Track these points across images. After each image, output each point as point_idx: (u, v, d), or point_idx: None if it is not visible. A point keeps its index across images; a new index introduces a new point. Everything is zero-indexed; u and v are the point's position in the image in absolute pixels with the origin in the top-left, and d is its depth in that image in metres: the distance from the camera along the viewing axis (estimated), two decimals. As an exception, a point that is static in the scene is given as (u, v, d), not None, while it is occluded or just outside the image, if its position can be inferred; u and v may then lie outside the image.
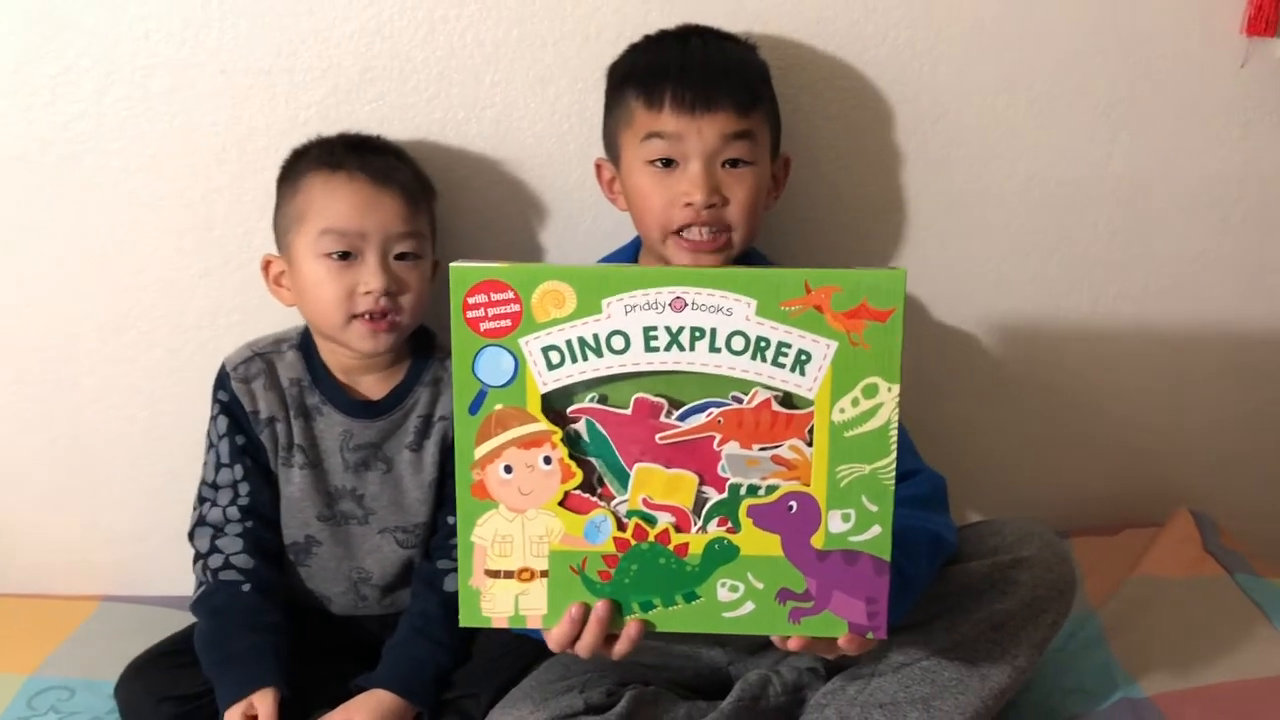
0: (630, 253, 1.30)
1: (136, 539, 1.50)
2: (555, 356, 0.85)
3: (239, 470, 1.26)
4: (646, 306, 0.83)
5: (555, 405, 0.87)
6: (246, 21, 1.32)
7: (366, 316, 1.22)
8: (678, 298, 0.83)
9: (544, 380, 0.85)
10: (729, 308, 0.82)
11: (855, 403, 0.83)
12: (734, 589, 0.88)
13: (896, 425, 0.84)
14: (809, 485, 0.85)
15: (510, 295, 0.84)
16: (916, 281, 1.46)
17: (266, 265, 1.27)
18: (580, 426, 0.87)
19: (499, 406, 0.86)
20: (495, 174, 1.39)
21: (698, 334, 0.83)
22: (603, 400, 0.87)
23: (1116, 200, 1.46)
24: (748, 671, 1.16)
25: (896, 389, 0.84)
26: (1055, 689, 1.20)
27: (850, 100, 1.40)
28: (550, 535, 0.88)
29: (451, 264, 0.86)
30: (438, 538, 1.29)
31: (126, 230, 1.39)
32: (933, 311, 1.49)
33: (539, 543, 0.88)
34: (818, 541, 0.86)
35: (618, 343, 0.84)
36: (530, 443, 0.87)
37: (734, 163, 1.18)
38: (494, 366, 0.86)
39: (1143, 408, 1.55)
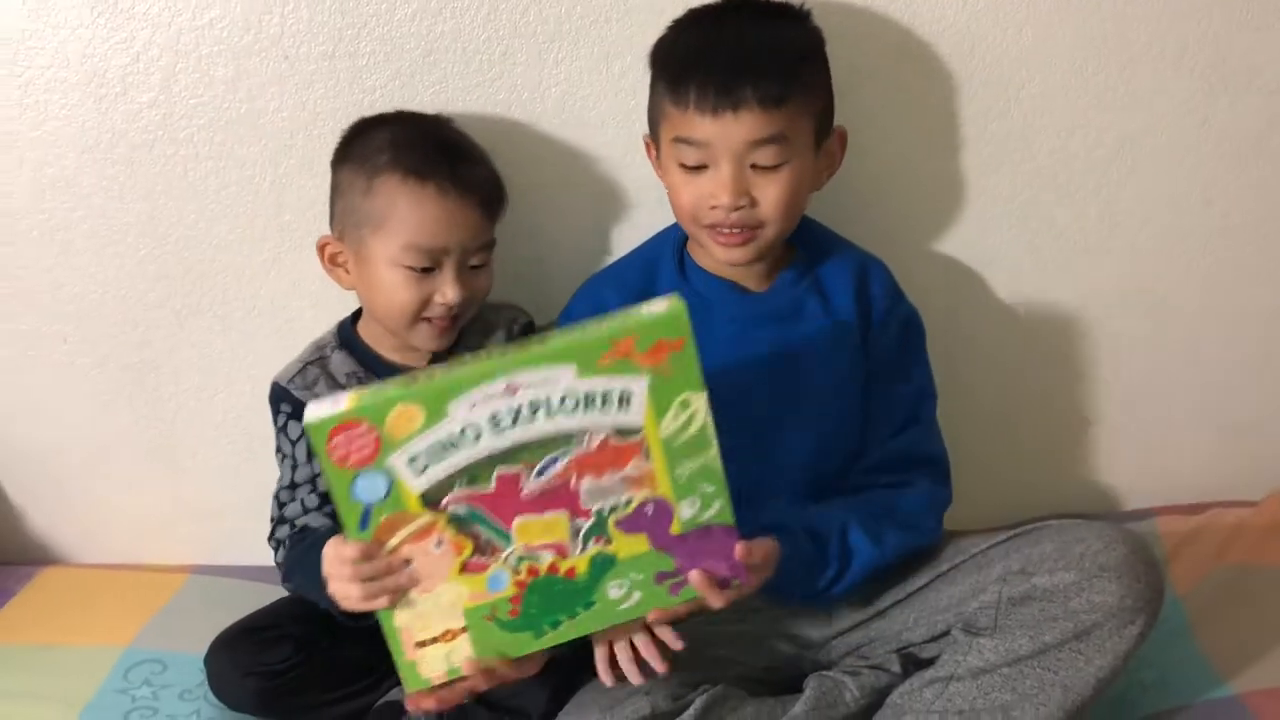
0: (676, 234, 1.28)
1: (220, 514, 1.53)
2: (420, 463, 0.95)
3: (319, 465, 1.26)
4: (485, 399, 0.93)
5: (432, 497, 0.97)
6: (308, 7, 1.30)
7: (434, 320, 1.22)
8: (509, 384, 0.93)
9: (416, 484, 0.96)
10: (555, 378, 0.94)
11: (675, 417, 0.97)
12: (621, 586, 1.02)
13: (711, 422, 0.99)
14: (657, 490, 1.00)
15: (365, 428, 0.93)
16: (998, 255, 1.43)
17: (322, 248, 1.26)
18: (459, 508, 0.97)
19: (384, 517, 0.96)
20: (559, 153, 1.37)
21: (535, 407, 0.94)
22: (471, 482, 0.97)
23: (1214, 165, 1.39)
24: (817, 666, 1.15)
25: (704, 395, 0.98)
26: (1134, 683, 1.18)
27: (919, 67, 1.34)
28: (460, 599, 1.00)
29: (305, 418, 0.93)
30: None
31: (197, 217, 1.39)
32: (1015, 283, 1.44)
33: (453, 608, 1.01)
34: (675, 529, 1.01)
35: (470, 435, 0.94)
36: (420, 535, 0.97)
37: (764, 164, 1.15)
38: (370, 488, 0.95)
39: (1235, 382, 1.49)
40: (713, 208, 1.16)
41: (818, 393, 1.25)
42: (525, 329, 1.34)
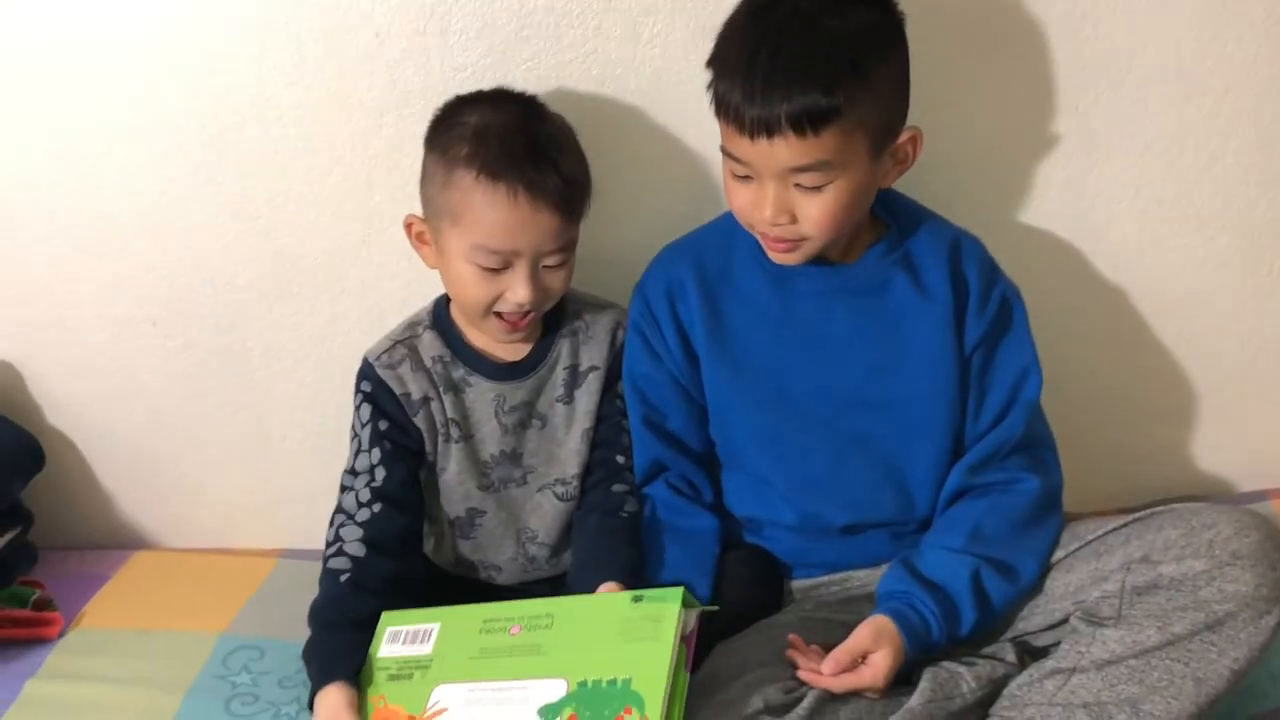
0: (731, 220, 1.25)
1: (310, 497, 1.52)
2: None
3: (376, 454, 1.24)
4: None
5: None
6: (399, -18, 1.28)
7: (505, 315, 1.21)
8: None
9: None
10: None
11: None
12: None
13: None
14: None
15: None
16: (1105, 230, 1.38)
17: (409, 226, 1.25)
18: None
19: None
20: (652, 129, 1.34)
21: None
22: None
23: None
24: (930, 658, 1.12)
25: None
26: (1264, 673, 1.14)
27: (1026, 35, 1.29)
28: None
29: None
30: (600, 474, 1.28)
31: (286, 198, 1.38)
32: (1122, 258, 1.40)
33: None
34: None
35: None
36: None
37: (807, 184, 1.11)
38: None
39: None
40: (757, 218, 1.14)
41: (907, 373, 1.21)
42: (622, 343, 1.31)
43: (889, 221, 1.23)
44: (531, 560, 1.32)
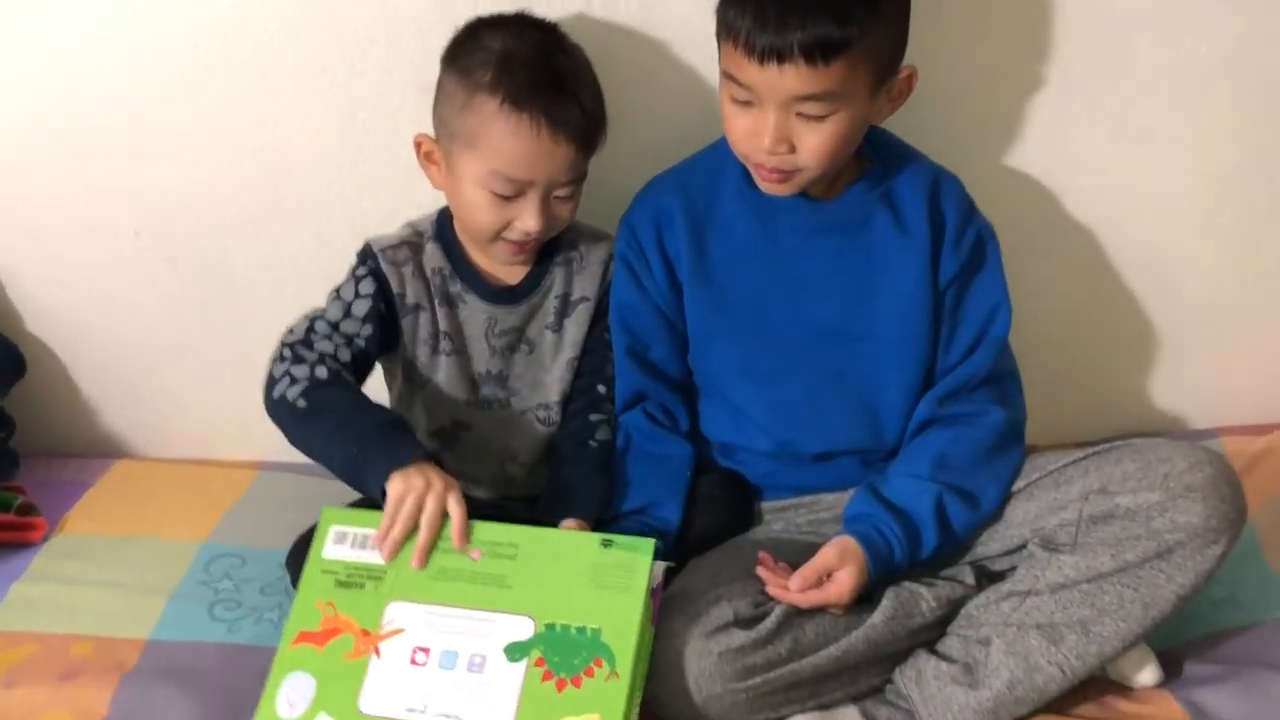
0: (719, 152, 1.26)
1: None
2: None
3: (368, 329, 1.24)
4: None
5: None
6: (390, -101, 1.27)
7: (512, 241, 1.23)
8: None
9: None
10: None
11: None
12: None
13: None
14: None
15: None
16: (1082, 169, 1.41)
17: (419, 145, 1.25)
18: None
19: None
20: (640, 52, 1.34)
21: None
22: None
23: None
24: (897, 584, 1.17)
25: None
26: (1205, 600, 1.19)
27: None
28: None
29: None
30: (581, 402, 1.31)
31: (275, 120, 1.38)
32: (1097, 198, 1.43)
33: None
34: None
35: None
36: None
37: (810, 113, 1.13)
38: None
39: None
40: (754, 146, 1.15)
41: (883, 307, 1.24)
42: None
43: (872, 158, 1.25)
44: (510, 479, 1.35)
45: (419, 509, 1.08)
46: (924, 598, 1.15)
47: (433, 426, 1.33)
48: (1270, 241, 1.47)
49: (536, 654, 1.03)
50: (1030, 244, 1.42)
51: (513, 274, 1.30)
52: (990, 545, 1.21)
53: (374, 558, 1.09)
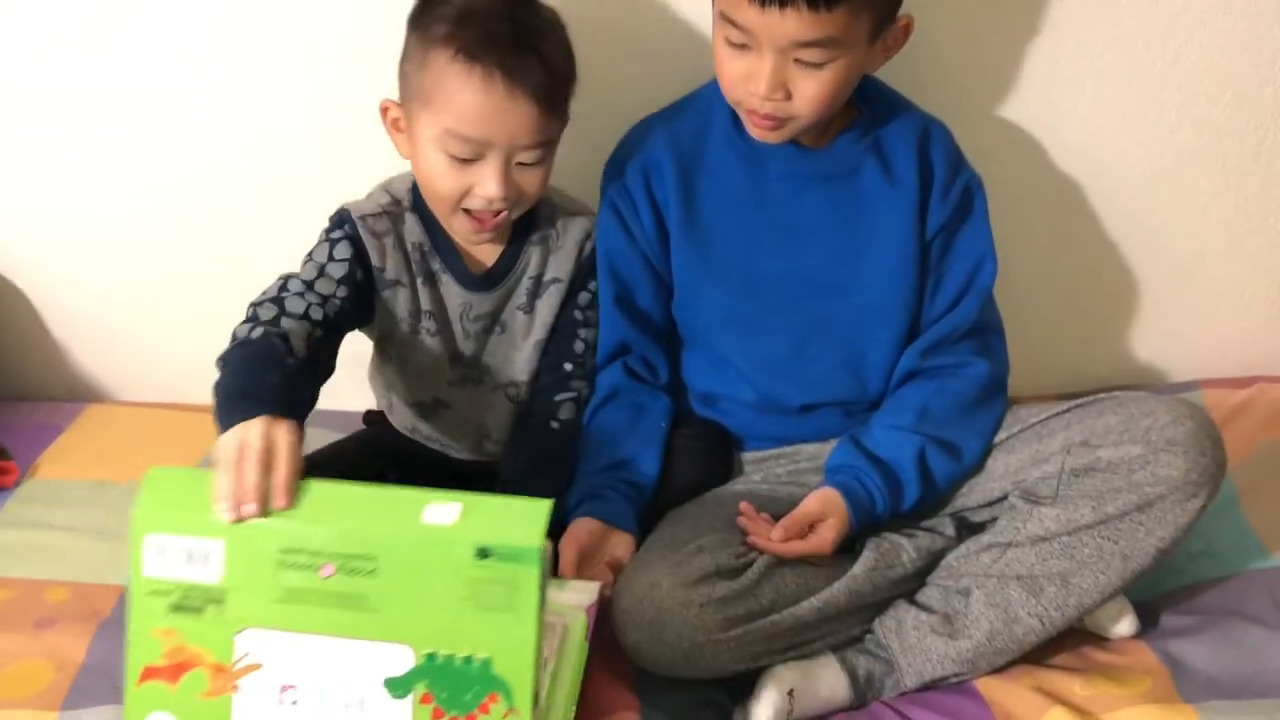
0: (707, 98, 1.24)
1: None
2: None
3: (343, 290, 1.17)
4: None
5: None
6: None
7: (474, 212, 1.17)
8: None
9: None
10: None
11: None
12: None
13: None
14: None
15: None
16: (1067, 121, 1.40)
17: (385, 110, 1.19)
18: None
19: None
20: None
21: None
22: None
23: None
24: (878, 534, 1.17)
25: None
26: (1182, 552, 1.19)
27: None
28: None
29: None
30: (547, 379, 1.27)
31: (244, 63, 1.36)
32: (1081, 150, 1.42)
33: None
34: None
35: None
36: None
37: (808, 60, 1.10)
38: None
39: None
40: (749, 92, 1.13)
41: (871, 258, 1.23)
42: (590, 256, 1.26)
43: (862, 107, 1.23)
44: (485, 452, 1.33)
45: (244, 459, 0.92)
46: (905, 549, 1.16)
47: (414, 399, 1.30)
48: (1254, 194, 1.46)
49: (421, 689, 0.89)
50: (1016, 195, 1.41)
51: (487, 253, 1.24)
52: (971, 497, 1.21)
53: (208, 574, 0.90)
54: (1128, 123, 1.41)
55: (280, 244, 1.41)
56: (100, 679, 1.09)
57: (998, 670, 1.13)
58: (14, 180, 1.43)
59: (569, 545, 1.14)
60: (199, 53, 1.35)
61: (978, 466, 1.21)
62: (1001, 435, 1.21)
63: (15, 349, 1.53)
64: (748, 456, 1.30)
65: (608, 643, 1.09)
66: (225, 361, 1.07)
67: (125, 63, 1.36)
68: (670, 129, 1.26)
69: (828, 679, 1.11)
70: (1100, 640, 1.17)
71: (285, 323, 1.11)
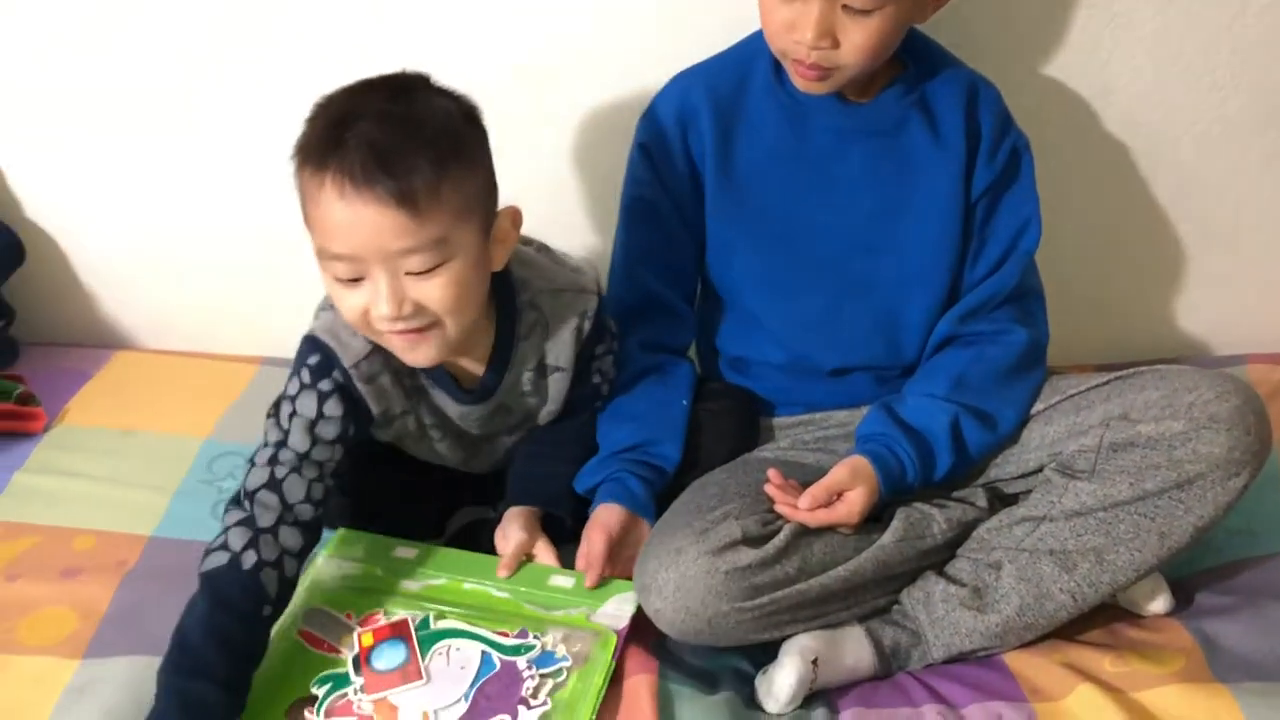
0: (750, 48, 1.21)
1: (291, 308, 1.50)
2: None
3: (338, 450, 1.09)
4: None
5: None
6: None
7: (389, 334, 1.04)
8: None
9: None
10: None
11: None
12: None
13: None
14: None
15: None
16: (1118, 84, 1.35)
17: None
18: None
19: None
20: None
21: None
22: None
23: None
24: (908, 504, 1.15)
25: None
26: (1220, 529, 1.16)
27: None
28: None
29: None
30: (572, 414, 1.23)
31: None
32: (1131, 114, 1.38)
33: None
34: None
35: None
36: None
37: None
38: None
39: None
40: (795, 41, 1.10)
41: (913, 218, 1.20)
42: (596, 327, 1.17)
43: (908, 62, 1.20)
44: (474, 467, 1.28)
45: None
46: (935, 519, 1.14)
47: (423, 459, 1.24)
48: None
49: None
50: (1062, 158, 1.37)
51: (475, 362, 1.14)
52: (1005, 468, 1.19)
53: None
54: (1181, 87, 1.36)
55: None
56: (123, 629, 1.10)
57: (1026, 644, 1.11)
58: (44, 129, 1.43)
59: (599, 534, 1.13)
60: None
61: (1013, 437, 1.18)
62: (1039, 406, 1.18)
63: (45, 295, 1.53)
64: (777, 422, 1.27)
65: (631, 606, 1.09)
66: (199, 599, 1.00)
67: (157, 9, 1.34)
68: (710, 80, 1.22)
69: (853, 649, 1.10)
70: (1133, 617, 1.15)
71: (284, 535, 1.03)
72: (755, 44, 1.20)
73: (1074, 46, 1.33)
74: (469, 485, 1.28)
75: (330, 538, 1.18)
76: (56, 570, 1.17)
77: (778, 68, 1.19)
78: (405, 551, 1.18)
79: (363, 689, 1.05)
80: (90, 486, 1.28)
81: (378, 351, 1.09)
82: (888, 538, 1.11)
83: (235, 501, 1.06)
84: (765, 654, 1.10)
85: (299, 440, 1.07)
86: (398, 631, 1.10)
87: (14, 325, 1.48)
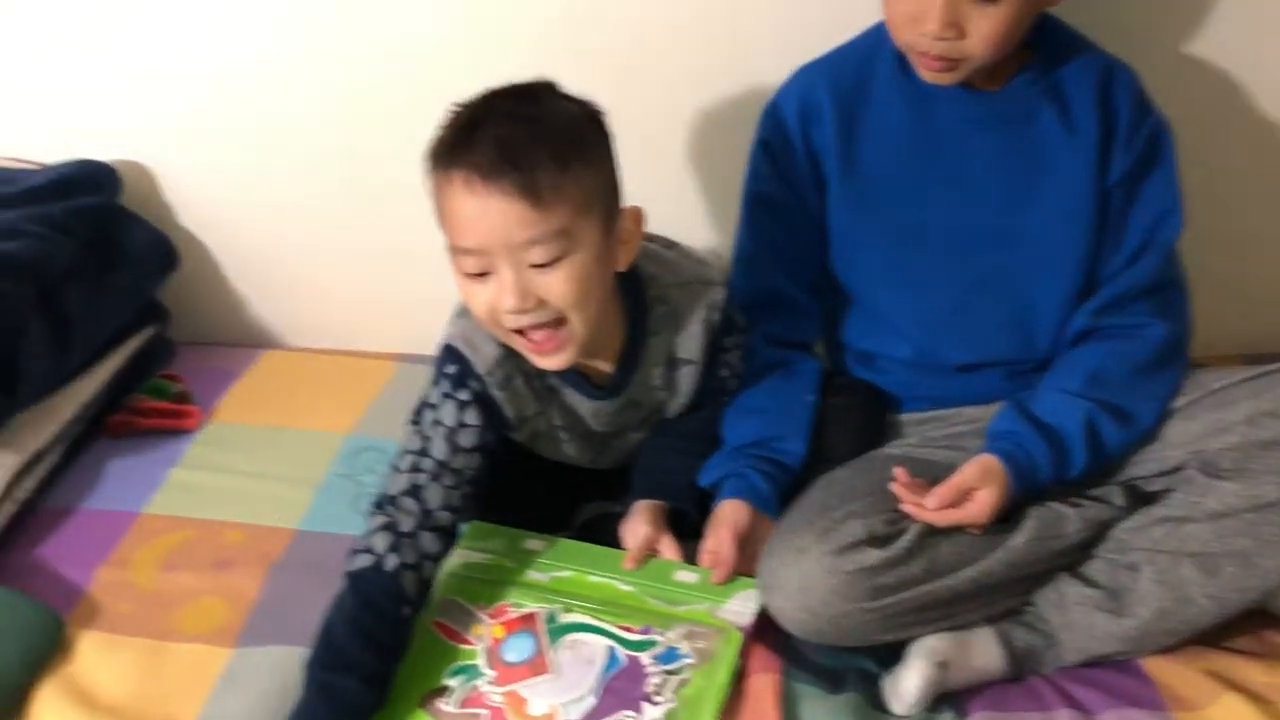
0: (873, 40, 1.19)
1: (429, 302, 1.54)
2: None
3: (476, 458, 1.13)
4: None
5: None
6: None
7: (523, 334, 1.07)
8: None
9: None
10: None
11: None
12: None
13: None
14: None
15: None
16: (1266, 63, 1.28)
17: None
18: None
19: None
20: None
21: None
22: None
23: None
24: (1040, 503, 1.12)
25: None
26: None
27: None
28: None
29: None
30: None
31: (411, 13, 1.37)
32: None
33: None
34: None
35: None
36: None
37: None
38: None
39: None
40: (920, 33, 1.07)
41: (1045, 208, 1.17)
42: (725, 319, 1.18)
43: (1037, 47, 1.16)
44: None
45: None
46: (1069, 519, 1.11)
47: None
48: None
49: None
50: (1203, 141, 1.31)
51: (606, 357, 1.16)
52: (1144, 466, 1.15)
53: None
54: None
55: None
56: (271, 619, 1.16)
57: (1166, 649, 1.08)
58: (192, 135, 1.49)
59: (726, 531, 1.13)
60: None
61: (1152, 434, 1.14)
62: (1180, 401, 1.14)
63: (197, 296, 1.60)
64: (904, 418, 1.26)
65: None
66: (345, 597, 1.05)
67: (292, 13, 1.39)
68: (832, 73, 1.21)
69: (982, 651, 1.08)
70: (1284, 623, 1.11)
71: (423, 540, 1.08)
72: (878, 35, 1.18)
73: (1217, 20, 1.28)
74: (595, 480, 1.30)
75: (464, 530, 1.21)
76: (209, 562, 1.23)
77: (902, 58, 1.17)
78: (534, 544, 1.21)
79: (493, 681, 1.08)
80: (239, 482, 1.35)
81: (510, 355, 1.12)
82: (1019, 538, 1.09)
83: (379, 505, 1.11)
84: (892, 653, 1.09)
85: (440, 449, 1.11)
86: (527, 624, 1.12)
87: (169, 327, 1.56)
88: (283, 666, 1.09)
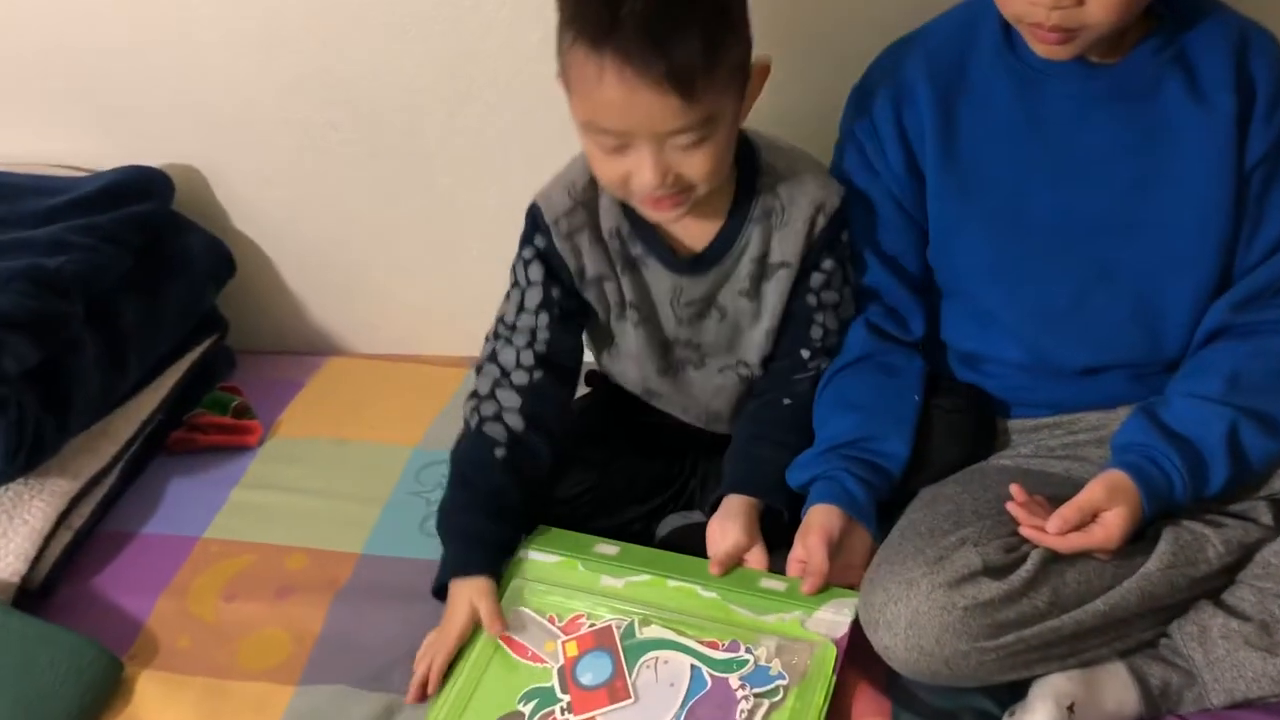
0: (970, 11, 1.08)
1: (495, 303, 1.50)
2: None
3: (544, 318, 1.14)
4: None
5: None
6: None
7: (644, 198, 1.05)
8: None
9: None
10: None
11: None
12: None
13: None
14: None
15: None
16: None
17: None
18: None
19: None
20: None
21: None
22: None
23: None
24: (1176, 523, 1.01)
25: None
26: None
27: None
28: None
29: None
30: (784, 362, 1.17)
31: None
32: None
33: None
34: None
35: None
36: None
37: None
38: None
39: None
40: (1032, 2, 0.96)
41: (1173, 192, 1.05)
42: (831, 229, 1.12)
43: (1163, 13, 1.04)
44: (709, 425, 1.24)
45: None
46: (1210, 541, 0.99)
47: (624, 386, 1.23)
48: None
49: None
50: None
51: (699, 234, 1.12)
52: (1294, 478, 1.03)
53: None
54: None
55: (503, 184, 1.39)
56: (336, 653, 1.10)
57: (1329, 691, 0.96)
58: (244, 136, 1.43)
59: (818, 539, 1.04)
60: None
61: None
62: (1335, 406, 1.02)
63: (256, 304, 1.55)
64: (1015, 425, 1.15)
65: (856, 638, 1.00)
66: (452, 480, 1.14)
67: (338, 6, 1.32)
68: (927, 50, 1.10)
69: (1115, 690, 0.98)
70: None
71: (501, 395, 1.14)
72: (979, 6, 1.07)
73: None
74: (676, 485, 1.23)
75: (532, 535, 1.15)
76: (271, 590, 1.17)
77: (1007, 29, 1.06)
78: (607, 548, 1.13)
79: (569, 708, 1.00)
80: (303, 500, 1.29)
81: (582, 207, 1.12)
82: (1153, 564, 0.98)
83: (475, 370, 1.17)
84: (1011, 691, 0.99)
85: (509, 310, 1.16)
86: (601, 641, 1.04)
87: (228, 336, 1.51)
88: (345, 709, 1.04)
